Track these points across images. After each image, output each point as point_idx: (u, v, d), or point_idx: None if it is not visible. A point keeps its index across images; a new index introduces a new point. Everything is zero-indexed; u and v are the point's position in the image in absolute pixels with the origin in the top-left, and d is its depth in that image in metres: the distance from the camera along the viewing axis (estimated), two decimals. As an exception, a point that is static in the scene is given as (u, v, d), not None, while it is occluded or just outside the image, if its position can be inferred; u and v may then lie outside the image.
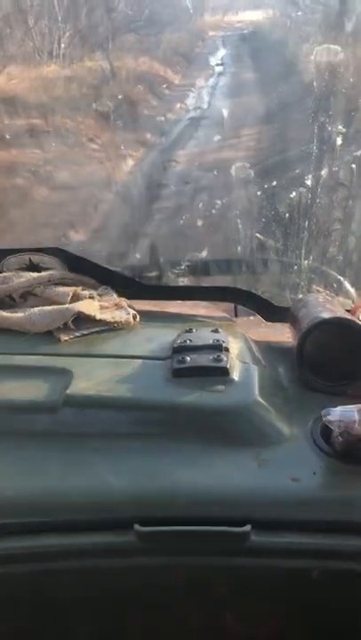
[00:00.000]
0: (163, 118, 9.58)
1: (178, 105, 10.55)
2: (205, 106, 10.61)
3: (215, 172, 6.45)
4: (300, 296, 1.23)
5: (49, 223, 5.41)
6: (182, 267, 1.49)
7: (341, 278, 1.36)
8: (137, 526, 0.88)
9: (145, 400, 1.01)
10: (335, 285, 1.37)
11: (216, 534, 0.89)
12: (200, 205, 5.54)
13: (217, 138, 8.20)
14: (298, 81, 9.39)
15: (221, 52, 16.49)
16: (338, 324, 1.07)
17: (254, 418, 0.98)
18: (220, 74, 13.48)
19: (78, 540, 0.90)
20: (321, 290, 1.31)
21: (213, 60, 15.13)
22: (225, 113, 9.40)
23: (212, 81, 12.75)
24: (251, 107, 9.46)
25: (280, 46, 13.14)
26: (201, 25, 19.07)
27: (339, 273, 1.38)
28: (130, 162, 7.54)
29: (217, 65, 14.55)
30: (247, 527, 0.88)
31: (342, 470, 0.93)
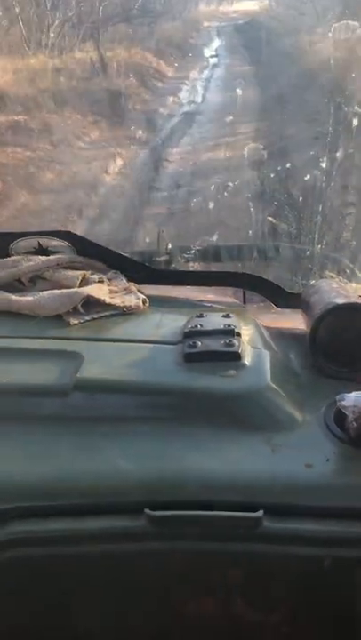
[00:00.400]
0: (155, 113, 9.27)
1: (171, 99, 10.26)
2: (200, 99, 10.35)
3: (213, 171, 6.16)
4: (312, 282, 1.22)
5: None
6: (192, 252, 1.48)
7: (352, 265, 1.35)
8: (147, 511, 0.88)
9: (156, 384, 1.00)
10: (348, 271, 1.37)
11: (228, 519, 0.88)
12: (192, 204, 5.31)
13: (211, 134, 7.81)
14: (296, 73, 9.15)
15: (216, 43, 16.35)
16: (352, 310, 1.06)
17: (266, 403, 0.97)
18: (215, 66, 13.28)
19: (88, 525, 0.90)
20: (334, 275, 1.30)
21: (208, 52, 14.91)
22: (216, 106, 9.08)
23: (206, 73, 12.54)
24: (246, 101, 9.18)
25: (277, 37, 12.97)
26: (195, 15, 18.95)
27: (352, 258, 1.38)
28: (119, 161, 7.17)
29: (211, 57, 14.35)
30: (259, 513, 0.87)
31: (356, 456, 0.92)
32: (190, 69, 12.57)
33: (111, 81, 9.58)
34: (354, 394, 0.94)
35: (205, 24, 18.68)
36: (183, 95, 10.69)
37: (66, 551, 0.91)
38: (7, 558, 0.90)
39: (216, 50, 15.37)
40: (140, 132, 8.06)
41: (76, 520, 0.90)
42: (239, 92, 9.27)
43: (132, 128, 7.99)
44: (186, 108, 9.84)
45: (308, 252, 1.52)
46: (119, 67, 10.24)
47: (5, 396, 1.00)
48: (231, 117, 8.18)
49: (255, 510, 0.87)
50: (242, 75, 11.31)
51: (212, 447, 0.94)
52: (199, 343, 1.04)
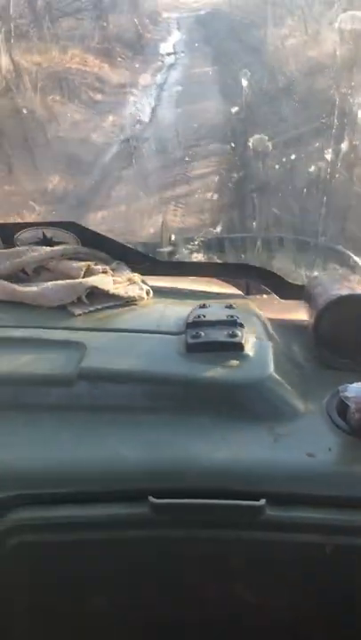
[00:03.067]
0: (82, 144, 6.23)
1: (110, 119, 7.44)
2: (147, 119, 7.70)
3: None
4: (316, 273, 1.22)
5: None
6: (196, 243, 1.48)
7: (356, 258, 1.35)
8: (151, 498, 0.88)
9: (159, 374, 1.01)
10: (351, 263, 1.37)
11: (231, 508, 0.89)
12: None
13: (156, 180, 5.26)
14: (267, 74, 7.73)
15: (175, 38, 13.26)
16: (356, 301, 1.07)
17: (269, 393, 0.98)
18: (172, 66, 10.55)
19: (92, 512, 0.91)
20: (338, 267, 1.30)
21: (165, 49, 11.97)
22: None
23: (160, 77, 9.77)
24: (208, 117, 6.78)
25: (243, 29, 11.35)
26: (153, 5, 16.93)
27: (356, 249, 1.37)
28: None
29: (168, 54, 11.51)
30: (262, 501, 0.88)
31: (358, 446, 0.93)
32: (141, 72, 9.66)
33: (25, 99, 6.53)
34: (356, 385, 0.94)
35: (165, 15, 16.33)
36: (127, 111, 7.90)
37: (70, 538, 0.92)
38: (13, 545, 0.91)
39: (174, 46, 12.36)
40: (56, 181, 5.32)
41: (81, 507, 0.91)
42: (196, 106, 7.14)
43: (45, 174, 5.32)
44: (128, 132, 7.03)
45: (311, 244, 1.51)
46: (34, 78, 7.05)
47: (10, 385, 1.01)
48: (184, 150, 5.80)
49: (258, 498, 0.88)
50: (202, 79, 9.01)
51: (215, 436, 0.95)
52: (202, 334, 1.05)
